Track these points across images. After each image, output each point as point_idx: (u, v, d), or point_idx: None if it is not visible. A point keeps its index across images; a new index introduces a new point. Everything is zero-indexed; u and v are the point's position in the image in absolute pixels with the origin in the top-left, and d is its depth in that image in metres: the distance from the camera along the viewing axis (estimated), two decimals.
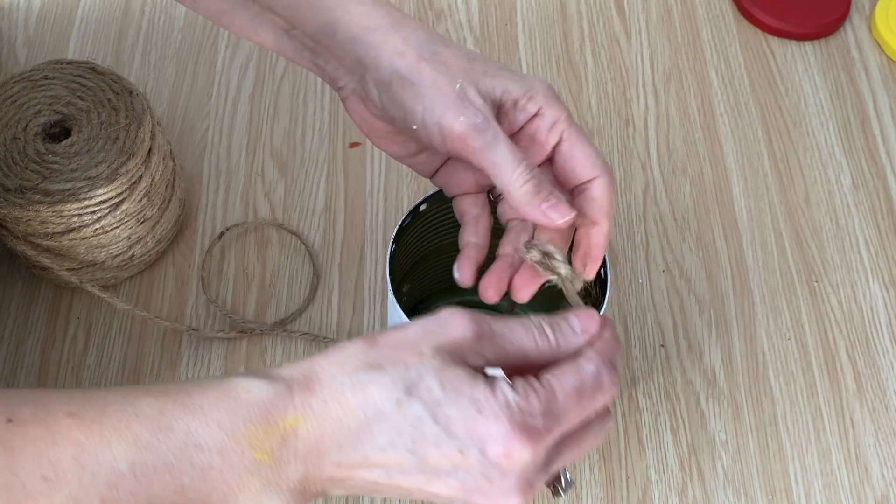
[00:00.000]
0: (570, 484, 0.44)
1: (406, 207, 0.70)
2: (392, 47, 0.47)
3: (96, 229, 0.61)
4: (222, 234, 0.67)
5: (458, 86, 0.46)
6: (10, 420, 0.39)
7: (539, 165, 0.48)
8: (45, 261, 0.61)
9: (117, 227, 0.62)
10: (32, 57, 0.77)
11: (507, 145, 0.45)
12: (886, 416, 0.62)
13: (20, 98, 0.62)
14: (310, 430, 0.40)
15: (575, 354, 0.42)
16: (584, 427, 0.42)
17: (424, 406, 0.39)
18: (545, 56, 0.78)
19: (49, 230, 0.60)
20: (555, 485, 0.44)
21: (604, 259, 0.50)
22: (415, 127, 0.47)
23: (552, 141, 0.47)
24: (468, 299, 0.64)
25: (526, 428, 0.39)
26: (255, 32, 0.53)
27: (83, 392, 0.41)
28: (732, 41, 0.80)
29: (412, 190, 0.71)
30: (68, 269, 0.63)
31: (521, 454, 0.39)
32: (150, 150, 0.62)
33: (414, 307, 0.63)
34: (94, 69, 0.64)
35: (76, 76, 0.64)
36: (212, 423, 0.39)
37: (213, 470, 0.39)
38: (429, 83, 0.46)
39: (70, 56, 0.77)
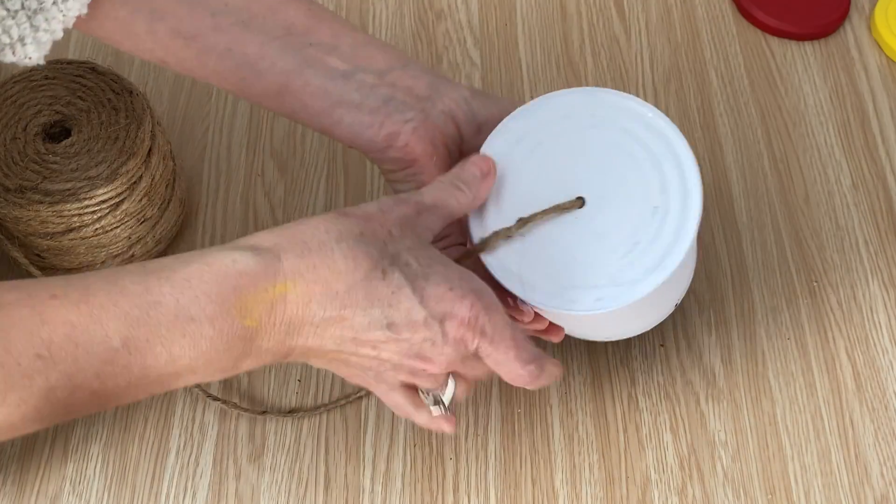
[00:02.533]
0: (446, 407, 0.50)
1: None
2: None
3: (96, 229, 0.61)
4: None
5: None
6: None
7: None
8: (34, 271, 0.61)
9: (117, 227, 0.62)
10: None
11: None
12: (886, 416, 0.62)
13: (20, 98, 0.63)
14: (299, 295, 0.42)
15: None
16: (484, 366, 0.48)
17: (405, 278, 0.44)
18: (545, 56, 0.78)
19: (49, 230, 0.60)
20: (437, 397, 0.49)
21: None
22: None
23: None
24: None
25: (478, 319, 0.45)
26: (297, 77, 0.54)
27: (63, 278, 0.42)
28: (732, 41, 0.80)
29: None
30: (68, 269, 0.63)
31: (469, 337, 0.45)
32: (150, 150, 0.62)
33: None
34: (94, 69, 0.64)
35: (76, 76, 0.64)
36: (201, 295, 0.41)
37: (203, 339, 0.42)
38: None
39: (70, 56, 0.77)
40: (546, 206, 0.49)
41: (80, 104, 0.62)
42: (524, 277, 0.49)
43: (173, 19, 0.53)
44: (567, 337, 0.57)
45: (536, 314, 0.52)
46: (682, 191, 0.49)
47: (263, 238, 0.44)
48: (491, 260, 0.50)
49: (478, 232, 0.51)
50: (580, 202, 0.50)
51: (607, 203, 0.49)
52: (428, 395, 0.49)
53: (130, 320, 0.41)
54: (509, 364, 0.47)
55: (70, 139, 0.61)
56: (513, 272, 0.50)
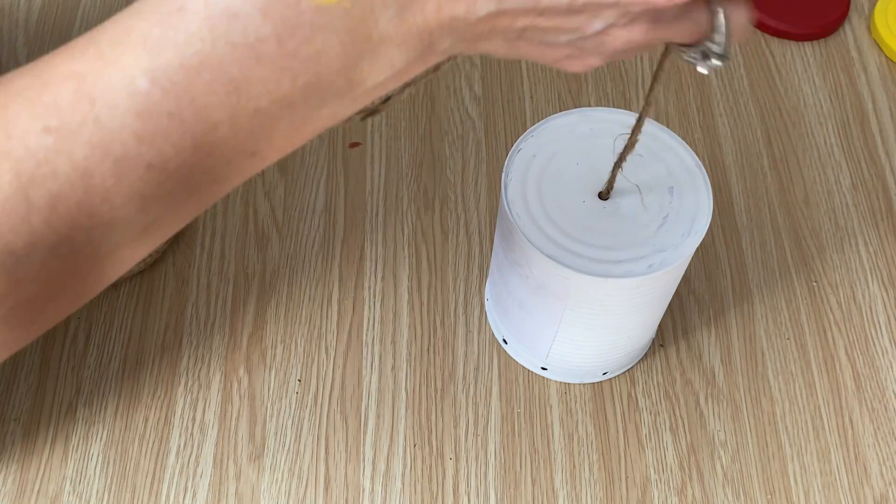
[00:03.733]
0: (724, 54, 0.32)
1: (406, 207, 0.70)
2: None
3: None
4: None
5: None
6: None
7: None
8: None
9: None
10: (33, 57, 0.77)
11: None
12: (885, 416, 0.62)
13: None
14: None
15: None
16: None
17: None
18: None
19: None
20: (707, 46, 0.32)
21: None
22: None
23: None
24: None
25: None
26: None
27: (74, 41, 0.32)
28: None
29: (412, 190, 0.71)
30: None
31: None
32: None
33: None
34: None
35: None
36: None
37: (264, 44, 0.29)
38: None
39: None
40: (574, 201, 0.54)
41: None
42: (577, 256, 0.52)
43: None
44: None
45: None
46: (685, 170, 0.55)
47: None
48: (533, 243, 0.52)
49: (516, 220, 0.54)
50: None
51: (627, 193, 0.55)
52: (691, 49, 0.34)
53: (150, 45, 0.29)
54: None
55: None
56: (565, 255, 0.52)
